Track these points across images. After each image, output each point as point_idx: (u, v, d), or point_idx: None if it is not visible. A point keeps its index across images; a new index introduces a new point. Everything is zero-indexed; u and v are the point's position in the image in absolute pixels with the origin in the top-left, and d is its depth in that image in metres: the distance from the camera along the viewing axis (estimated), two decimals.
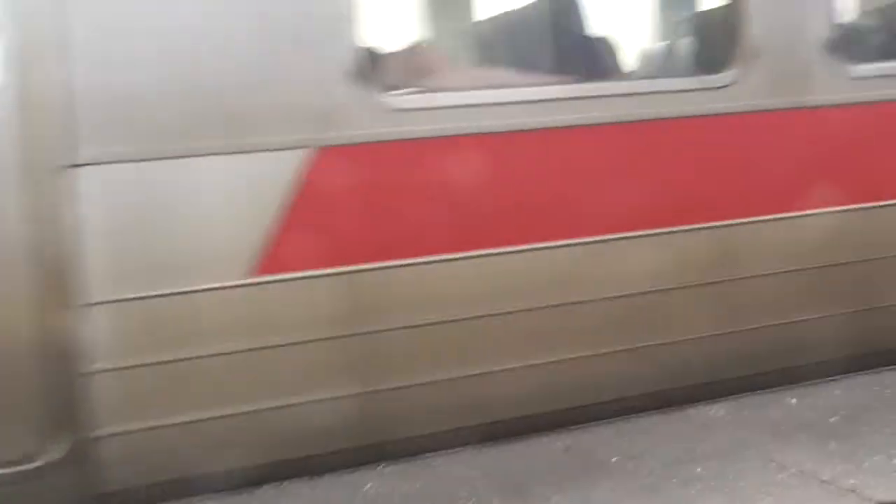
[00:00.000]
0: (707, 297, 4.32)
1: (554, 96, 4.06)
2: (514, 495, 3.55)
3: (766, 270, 4.41)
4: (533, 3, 5.05)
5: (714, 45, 4.73)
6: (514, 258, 3.95)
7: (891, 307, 4.69)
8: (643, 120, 4.17)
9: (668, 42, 6.21)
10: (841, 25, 4.72)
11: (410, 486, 3.68)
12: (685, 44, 5.49)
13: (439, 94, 3.93)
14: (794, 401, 4.31)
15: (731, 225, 4.33)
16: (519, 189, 3.98)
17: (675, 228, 4.23)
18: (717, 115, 4.28)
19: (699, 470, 3.66)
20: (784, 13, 4.39)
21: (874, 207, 4.57)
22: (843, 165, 4.55)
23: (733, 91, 4.29)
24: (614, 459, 3.81)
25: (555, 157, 4.03)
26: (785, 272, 4.43)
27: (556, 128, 4.01)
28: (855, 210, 4.53)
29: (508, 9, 5.32)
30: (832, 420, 4.07)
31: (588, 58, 4.72)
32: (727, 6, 4.61)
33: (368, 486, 3.70)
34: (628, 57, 5.64)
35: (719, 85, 4.29)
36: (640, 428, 4.11)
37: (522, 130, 3.95)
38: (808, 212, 4.44)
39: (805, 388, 4.43)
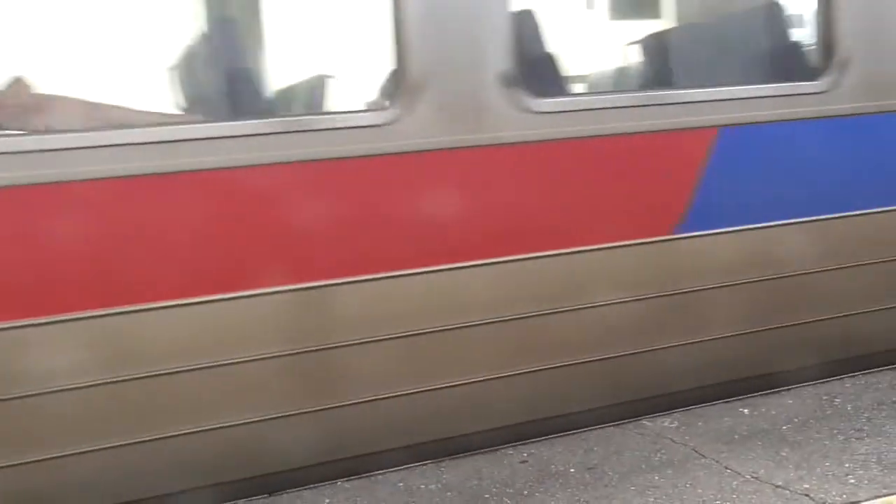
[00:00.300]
0: None
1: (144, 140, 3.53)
2: None
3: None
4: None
5: (377, 78, 4.40)
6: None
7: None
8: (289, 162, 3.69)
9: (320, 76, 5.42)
10: (524, 55, 4.19)
11: (369, 500, 3.67)
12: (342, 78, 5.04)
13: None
14: (745, 411, 4.37)
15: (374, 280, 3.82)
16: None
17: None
18: (373, 156, 3.79)
19: (656, 478, 3.69)
20: (450, 41, 3.92)
21: (556, 255, 4.11)
22: (519, 208, 4.08)
23: (394, 129, 3.82)
24: (572, 470, 3.83)
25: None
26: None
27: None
28: (532, 259, 4.07)
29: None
30: (784, 428, 4.13)
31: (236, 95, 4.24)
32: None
33: (326, 501, 3.69)
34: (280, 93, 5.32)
35: (379, 123, 3.82)
36: (595, 440, 4.14)
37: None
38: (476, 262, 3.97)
39: (756, 398, 4.49)
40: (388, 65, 3.97)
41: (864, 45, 4.57)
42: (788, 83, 4.58)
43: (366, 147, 3.76)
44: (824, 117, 4.56)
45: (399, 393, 3.89)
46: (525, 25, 4.40)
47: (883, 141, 4.74)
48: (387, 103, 3.92)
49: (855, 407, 4.33)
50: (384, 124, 3.80)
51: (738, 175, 4.45)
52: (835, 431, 4.07)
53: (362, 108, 4.29)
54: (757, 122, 4.45)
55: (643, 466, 3.83)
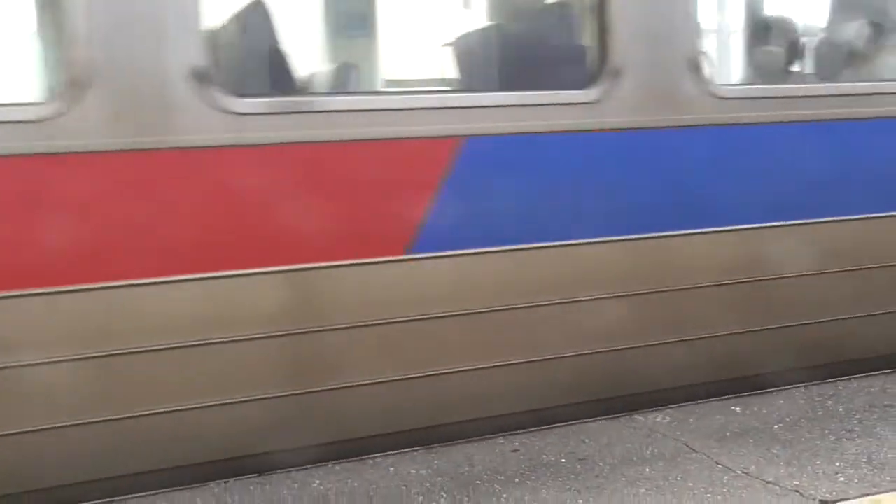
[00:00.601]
0: None
1: None
2: (464, 493, 3.56)
3: None
4: None
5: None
6: None
7: None
8: None
9: None
10: (216, 49, 3.85)
11: (360, 483, 3.67)
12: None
13: None
14: (737, 409, 4.38)
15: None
16: None
17: None
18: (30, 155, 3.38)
19: (647, 470, 3.70)
20: (130, 34, 3.50)
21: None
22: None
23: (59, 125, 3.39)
24: (563, 460, 3.84)
25: None
26: None
27: None
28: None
29: None
30: (775, 427, 4.14)
31: None
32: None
33: (316, 482, 3.69)
34: None
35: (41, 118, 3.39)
36: (587, 432, 4.15)
37: None
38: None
39: (749, 398, 4.50)
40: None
41: (640, 53, 4.23)
42: (550, 91, 4.15)
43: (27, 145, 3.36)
44: (593, 130, 4.19)
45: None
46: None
47: (658, 158, 4.32)
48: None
49: (847, 409, 4.34)
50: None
51: (486, 191, 4.01)
52: (826, 431, 4.07)
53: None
54: (512, 133, 4.04)
55: (634, 459, 3.83)
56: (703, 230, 4.39)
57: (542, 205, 4.11)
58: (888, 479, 3.56)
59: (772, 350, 4.57)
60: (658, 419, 4.27)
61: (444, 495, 3.54)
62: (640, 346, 4.33)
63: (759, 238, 4.49)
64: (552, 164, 4.13)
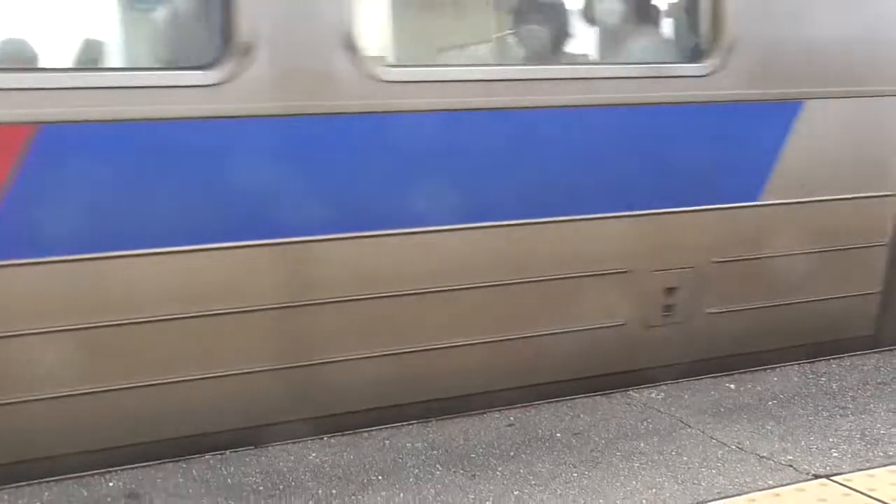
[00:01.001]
0: None
1: None
2: (459, 466, 3.56)
3: None
4: None
5: None
6: None
7: None
8: None
9: None
10: None
11: (355, 456, 3.67)
12: None
13: None
14: (731, 386, 4.39)
15: None
16: None
17: None
18: None
19: (642, 445, 3.71)
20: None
21: None
22: None
23: None
24: (558, 435, 3.85)
25: None
26: None
27: None
28: None
29: None
30: (770, 404, 4.16)
31: None
32: None
33: (312, 455, 3.69)
34: None
35: None
36: (582, 407, 4.15)
37: None
38: None
39: (742, 374, 4.52)
40: None
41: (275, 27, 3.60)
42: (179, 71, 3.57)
43: None
44: (207, 118, 3.52)
45: None
46: None
47: (299, 152, 3.70)
48: None
49: (840, 386, 4.36)
50: None
51: (71, 188, 3.39)
52: (819, 408, 4.09)
53: None
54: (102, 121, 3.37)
55: (629, 434, 3.84)
56: (349, 235, 3.79)
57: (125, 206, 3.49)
58: (881, 454, 3.58)
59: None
60: (653, 395, 4.29)
61: (440, 468, 3.54)
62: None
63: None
64: (159, 157, 3.51)
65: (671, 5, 5.01)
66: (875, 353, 4.83)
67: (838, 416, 3.98)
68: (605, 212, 4.22)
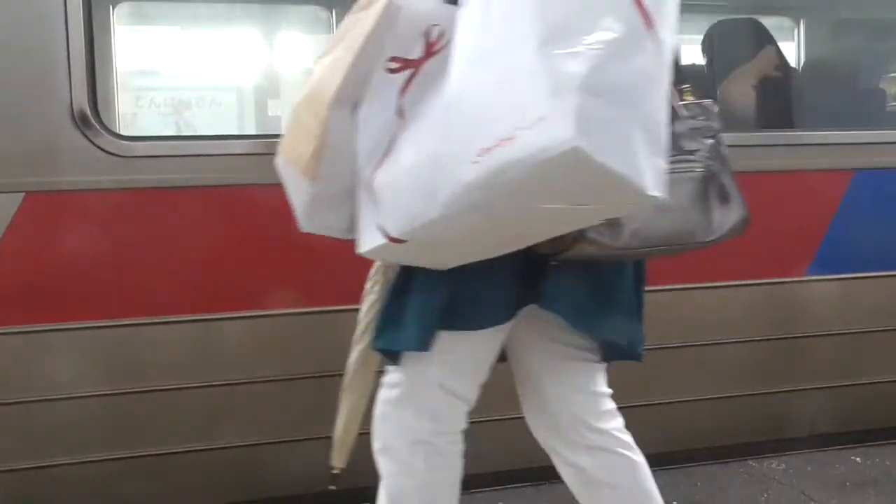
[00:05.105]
0: None
1: None
2: None
3: None
4: None
5: None
6: None
7: None
8: None
9: None
10: None
11: None
12: None
13: None
14: (858, 459, 4.22)
15: None
16: None
17: None
18: None
19: None
20: None
21: None
22: None
23: None
24: (675, 503, 3.75)
25: None
26: None
27: None
28: None
29: None
30: None
31: None
32: None
33: None
34: None
35: None
36: (700, 476, 4.04)
37: None
38: None
39: (869, 448, 4.34)
40: None
41: None
42: None
43: None
44: None
45: None
46: None
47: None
48: None
49: None
50: None
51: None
52: None
53: None
54: None
55: None
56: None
57: None
58: None
59: None
60: (773, 465, 4.15)
61: None
62: None
63: None
64: None
65: None
66: None
67: None
68: None
